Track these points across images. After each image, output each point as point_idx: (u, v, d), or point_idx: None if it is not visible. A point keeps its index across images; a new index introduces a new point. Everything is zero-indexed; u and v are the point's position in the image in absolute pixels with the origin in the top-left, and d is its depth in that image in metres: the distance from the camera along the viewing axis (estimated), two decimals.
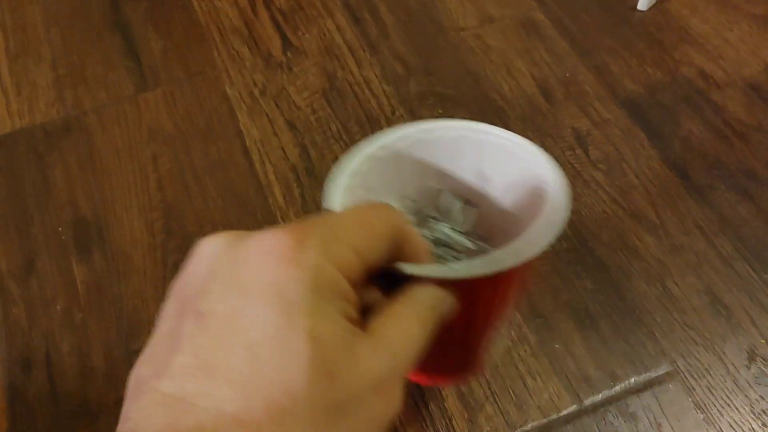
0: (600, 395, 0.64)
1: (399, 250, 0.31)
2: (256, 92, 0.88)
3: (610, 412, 0.63)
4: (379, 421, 0.27)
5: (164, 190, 0.80)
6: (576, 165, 0.79)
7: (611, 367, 0.65)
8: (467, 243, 0.43)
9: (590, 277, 0.71)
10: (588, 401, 0.64)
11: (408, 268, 0.31)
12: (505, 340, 0.67)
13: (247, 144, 0.83)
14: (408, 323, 0.29)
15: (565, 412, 0.63)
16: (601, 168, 0.79)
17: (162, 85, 0.90)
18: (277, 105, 0.87)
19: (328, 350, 0.26)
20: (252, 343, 0.25)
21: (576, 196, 0.76)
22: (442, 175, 0.42)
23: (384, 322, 0.29)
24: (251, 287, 0.26)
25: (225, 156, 0.82)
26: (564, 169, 0.79)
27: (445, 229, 0.43)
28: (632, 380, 0.65)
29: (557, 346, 0.67)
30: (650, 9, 0.94)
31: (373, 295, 0.31)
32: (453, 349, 0.40)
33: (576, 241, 0.73)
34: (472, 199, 0.43)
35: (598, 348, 0.67)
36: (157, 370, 0.25)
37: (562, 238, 0.73)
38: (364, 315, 0.29)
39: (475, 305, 0.35)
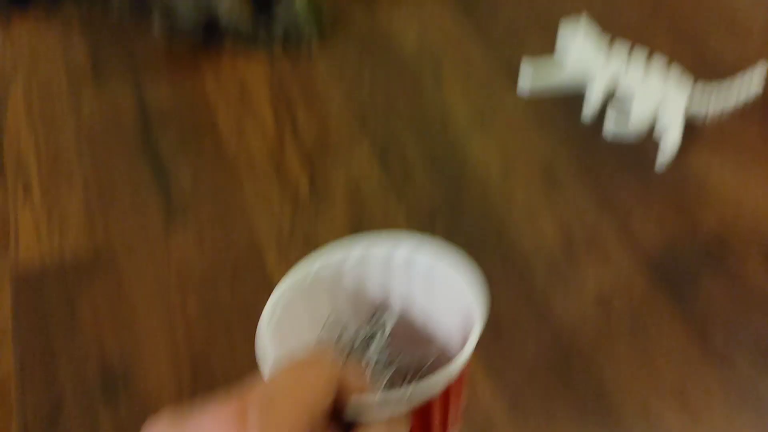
0: None
1: (343, 394, 0.33)
2: (285, 233, 0.90)
3: None
4: None
5: (192, 336, 0.80)
6: (602, 328, 0.80)
7: None
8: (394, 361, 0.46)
9: None
10: None
11: (358, 414, 0.33)
12: None
13: None
14: None
15: None
16: (623, 333, 0.80)
17: (191, 223, 0.91)
18: (305, 248, 0.88)
19: None
20: None
21: (598, 368, 0.78)
22: (352, 301, 0.46)
23: None
24: None
25: (252, 299, 0.83)
26: (585, 336, 0.80)
27: (372, 355, 0.46)
28: None
29: None
30: (670, 166, 0.97)
31: None
32: None
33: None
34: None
35: None
36: None
37: (588, 412, 0.74)
38: None
39: (427, 426, 0.38)
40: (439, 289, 0.45)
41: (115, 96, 1.09)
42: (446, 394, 0.37)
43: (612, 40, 1.10)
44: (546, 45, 1.12)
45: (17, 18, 1.24)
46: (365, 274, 0.46)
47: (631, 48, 1.08)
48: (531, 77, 1.06)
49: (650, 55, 1.07)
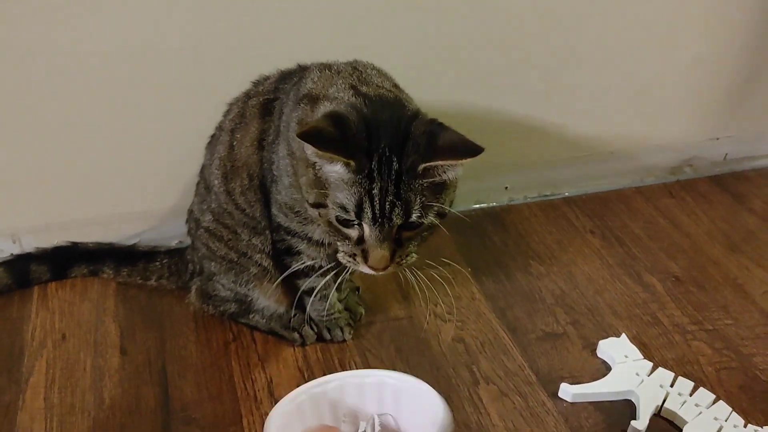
0: None
1: None
2: None
3: None
4: None
5: None
6: None
7: None
8: None
9: None
10: None
11: None
12: None
13: None
14: None
15: None
16: None
17: None
18: None
19: None
20: None
21: None
22: (352, 413, 0.60)
23: None
24: None
25: None
26: None
27: None
28: None
29: None
30: None
31: None
32: None
33: None
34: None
35: None
36: None
37: None
38: None
39: None
40: (407, 404, 0.60)
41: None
42: None
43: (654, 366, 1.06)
44: (585, 355, 1.11)
45: (55, 285, 1.23)
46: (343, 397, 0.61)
47: (675, 378, 1.04)
48: (570, 392, 1.02)
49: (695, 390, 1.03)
